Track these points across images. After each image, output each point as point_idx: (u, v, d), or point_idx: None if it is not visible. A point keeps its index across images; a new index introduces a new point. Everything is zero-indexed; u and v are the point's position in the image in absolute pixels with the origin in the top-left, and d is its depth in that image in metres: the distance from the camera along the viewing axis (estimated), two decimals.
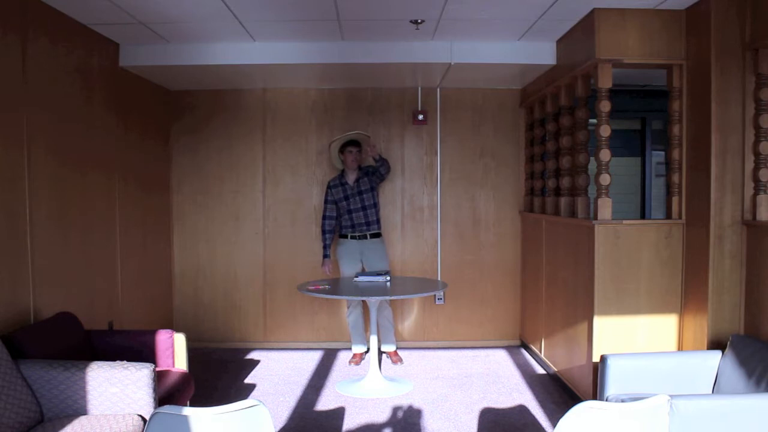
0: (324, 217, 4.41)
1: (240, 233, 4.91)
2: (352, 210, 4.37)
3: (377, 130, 4.90)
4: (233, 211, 4.91)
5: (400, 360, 4.47)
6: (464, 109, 4.90)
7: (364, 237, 4.38)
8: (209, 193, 4.91)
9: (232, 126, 4.88)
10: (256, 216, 4.91)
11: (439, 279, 4.88)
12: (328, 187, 4.42)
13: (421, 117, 4.84)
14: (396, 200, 4.87)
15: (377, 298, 3.88)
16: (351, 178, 4.38)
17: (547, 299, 4.25)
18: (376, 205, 4.39)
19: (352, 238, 4.38)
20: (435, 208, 4.93)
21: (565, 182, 3.96)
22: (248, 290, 4.93)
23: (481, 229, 4.95)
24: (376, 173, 4.38)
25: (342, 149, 4.36)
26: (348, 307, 4.51)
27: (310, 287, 3.91)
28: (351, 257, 4.41)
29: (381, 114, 4.90)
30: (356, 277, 4.11)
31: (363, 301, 4.43)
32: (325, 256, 4.38)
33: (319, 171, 4.92)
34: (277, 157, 4.90)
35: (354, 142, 4.32)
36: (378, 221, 4.41)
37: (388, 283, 4.06)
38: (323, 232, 4.41)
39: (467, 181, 4.93)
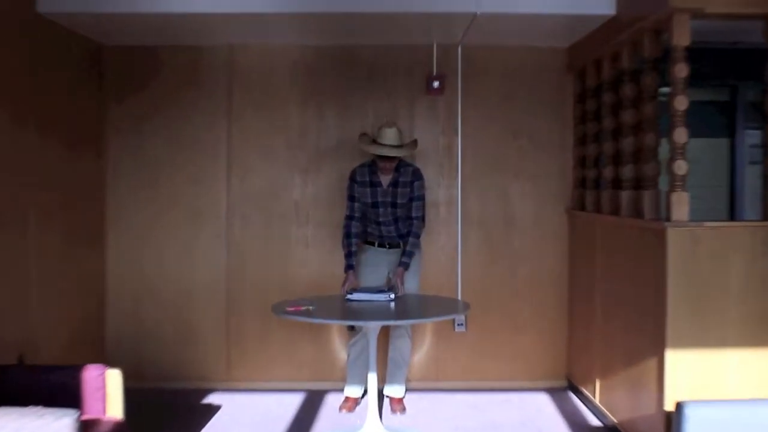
0: (348, 217, 4.41)
1: (197, 236, 4.89)
2: (381, 222, 4.42)
3: (378, 101, 4.88)
4: (188, 208, 4.89)
5: (404, 409, 4.48)
6: (493, 74, 4.90)
7: (396, 247, 4.44)
8: (156, 183, 4.89)
9: (188, 94, 4.85)
10: (219, 213, 4.89)
11: (458, 298, 4.85)
12: (353, 180, 4.41)
13: (436, 84, 4.81)
14: None
15: (384, 322, 3.83)
16: (385, 177, 4.38)
17: (603, 326, 4.23)
18: (415, 219, 4.38)
19: (380, 246, 4.46)
20: (454, 205, 4.92)
21: (627, 171, 3.95)
22: (207, 312, 4.90)
23: (516, 233, 4.93)
24: (413, 194, 4.37)
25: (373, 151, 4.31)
26: (352, 336, 4.49)
27: (288, 308, 3.87)
28: (376, 267, 4.45)
29: (383, 80, 4.89)
30: (349, 294, 4.13)
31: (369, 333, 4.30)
32: (349, 266, 4.34)
33: (302, 155, 4.91)
34: (246, 135, 4.88)
35: (390, 156, 4.29)
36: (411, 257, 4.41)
37: (393, 304, 4.04)
38: (347, 235, 4.39)
39: (497, 170, 4.92)
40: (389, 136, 4.28)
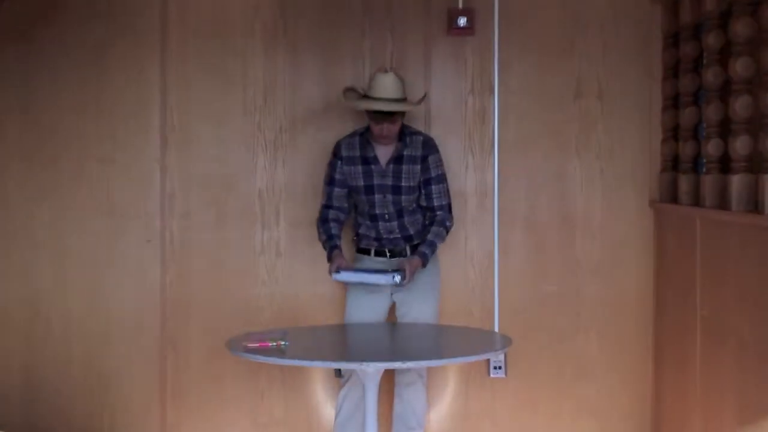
0: (325, 206, 4.51)
1: (117, 243, 4.89)
2: (379, 217, 4.46)
3: (378, 45, 4.88)
4: (103, 202, 4.88)
5: None
6: (547, 6, 4.91)
7: (401, 253, 4.49)
8: (56, 163, 4.87)
9: (101, 35, 4.83)
10: (149, 209, 4.89)
11: (495, 329, 4.87)
12: (337, 156, 4.48)
13: (463, 22, 4.80)
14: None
15: (389, 364, 3.85)
16: (384, 149, 4.45)
17: (706, 372, 4.19)
18: (439, 211, 4.48)
19: (379, 255, 4.47)
20: (488, 195, 4.93)
21: (741, 146, 3.90)
22: (133, 351, 4.89)
23: (577, 235, 4.94)
24: (429, 174, 4.47)
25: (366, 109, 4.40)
26: (342, 383, 4.51)
27: (250, 344, 3.88)
28: (373, 289, 4.44)
29: (386, 13, 4.90)
30: (336, 273, 4.23)
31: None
32: (334, 247, 4.41)
33: (269, 123, 4.91)
34: (188, 95, 4.88)
35: (388, 111, 4.33)
36: (423, 233, 4.52)
37: (399, 291, 4.19)
38: (323, 221, 4.49)
39: (551, 144, 4.93)
40: (386, 85, 4.29)
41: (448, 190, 4.50)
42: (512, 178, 4.91)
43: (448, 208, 4.49)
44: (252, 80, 4.87)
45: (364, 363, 3.75)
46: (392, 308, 4.55)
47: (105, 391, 4.86)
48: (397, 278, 4.18)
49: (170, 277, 4.88)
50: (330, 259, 4.36)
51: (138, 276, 4.87)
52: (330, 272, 4.30)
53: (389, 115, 4.27)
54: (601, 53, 4.87)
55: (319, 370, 4.81)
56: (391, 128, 4.31)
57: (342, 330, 4.42)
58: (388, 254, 4.47)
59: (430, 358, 4.12)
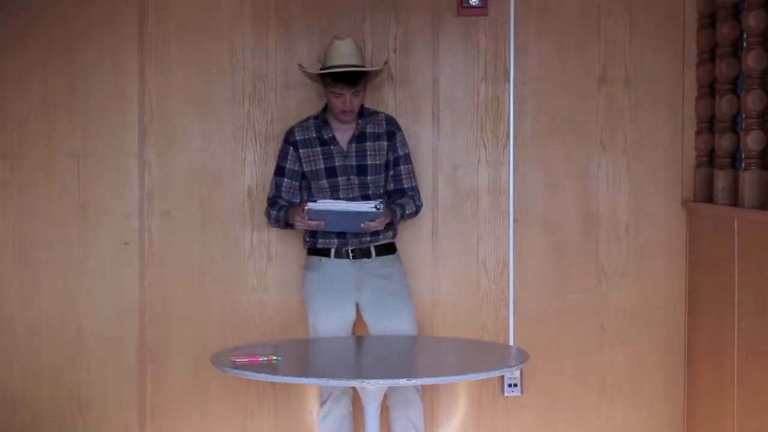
0: (274, 197, 4.55)
1: (90, 247, 4.87)
2: (341, 199, 4.43)
3: (380, 24, 4.86)
4: (75, 200, 4.88)
5: None
6: None
7: (365, 254, 4.46)
8: (23, 158, 4.86)
9: (73, 15, 4.84)
10: (126, 209, 4.88)
11: (510, 343, 4.86)
12: (290, 142, 4.53)
13: (475, 0, 4.82)
14: (422, 175, 4.83)
15: (394, 381, 3.83)
16: (344, 131, 4.51)
17: (742, 390, 4.18)
18: (410, 191, 4.55)
19: (339, 256, 4.46)
20: (503, 193, 4.91)
21: None
22: (107, 363, 4.88)
23: (601, 238, 4.93)
24: (397, 152, 4.56)
25: (324, 79, 4.45)
26: (322, 403, 4.52)
27: (238, 358, 3.87)
28: (334, 295, 4.47)
29: None
30: (311, 202, 4.24)
31: (353, 390, 4.42)
32: (287, 209, 4.47)
33: (258, 113, 4.90)
34: (169, 81, 4.88)
35: (349, 77, 4.36)
36: (391, 224, 4.51)
37: (375, 217, 4.19)
38: (272, 206, 4.55)
39: (573, 137, 4.92)
40: (344, 51, 4.37)
41: (414, 172, 4.57)
42: (529, 174, 4.89)
43: (418, 192, 4.57)
44: (240, 65, 4.86)
45: (365, 380, 3.72)
46: (359, 323, 4.57)
47: (77, 409, 4.86)
48: (381, 206, 4.18)
49: (149, 282, 4.87)
50: (287, 218, 4.41)
51: (113, 282, 4.86)
52: (300, 214, 4.27)
53: (352, 84, 4.32)
54: (628, 35, 4.87)
55: (313, 387, 4.77)
56: (354, 101, 4.37)
57: (339, 343, 4.39)
58: (350, 255, 4.44)
59: (437, 375, 4.04)
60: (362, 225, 4.21)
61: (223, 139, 4.86)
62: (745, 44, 4.25)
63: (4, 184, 4.83)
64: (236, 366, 3.78)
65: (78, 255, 4.84)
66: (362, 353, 4.26)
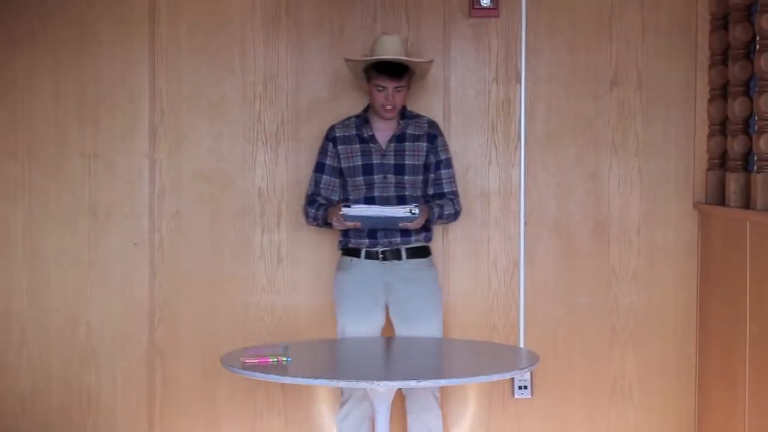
0: (312, 194, 4.55)
1: (100, 246, 4.89)
2: (375, 199, 4.47)
3: (393, 27, 4.85)
4: (86, 198, 4.88)
5: None
6: None
7: (395, 256, 4.45)
8: (33, 157, 4.88)
9: (84, 13, 4.84)
10: (136, 209, 4.89)
11: (521, 345, 4.86)
12: (330, 138, 4.54)
13: (486, 1, 4.84)
14: None
15: (402, 383, 3.83)
16: (384, 131, 4.50)
17: (754, 393, 4.18)
18: (450, 195, 4.56)
19: (369, 257, 4.46)
20: (513, 195, 4.92)
21: None
22: (118, 368, 4.89)
23: (612, 240, 4.92)
24: (438, 156, 4.56)
25: (368, 73, 4.45)
26: (342, 403, 4.51)
27: (248, 359, 3.86)
28: (363, 296, 4.47)
29: None
30: (345, 207, 4.25)
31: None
32: (327, 207, 4.47)
33: (269, 113, 4.90)
34: (180, 82, 4.89)
35: (394, 69, 4.37)
36: (427, 227, 4.53)
37: (410, 221, 4.21)
38: (310, 203, 4.55)
39: (584, 139, 4.92)
40: (392, 45, 4.38)
41: (455, 177, 4.57)
42: (540, 176, 4.89)
43: (458, 196, 4.56)
44: (251, 66, 4.86)
45: (375, 382, 3.70)
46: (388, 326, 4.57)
47: (86, 408, 4.88)
48: (416, 210, 4.18)
49: (159, 283, 4.87)
50: (326, 217, 4.41)
51: (124, 282, 4.87)
52: (336, 216, 4.29)
53: (395, 77, 4.33)
54: (640, 36, 4.86)
55: (323, 388, 4.80)
56: (396, 96, 4.37)
57: (349, 345, 4.39)
58: (380, 257, 4.44)
59: (447, 377, 4.06)
60: (400, 224, 4.25)
61: (234, 140, 4.86)
62: (757, 46, 4.22)
63: (15, 184, 4.84)
64: (246, 367, 3.78)
65: (88, 255, 4.85)
66: (373, 355, 4.24)
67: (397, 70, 4.34)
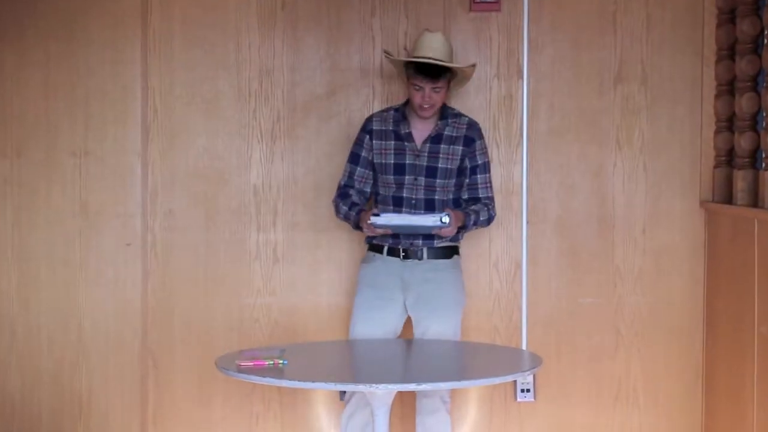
0: (345, 185, 4.55)
1: (92, 245, 4.88)
2: (403, 200, 4.49)
3: (389, 20, 4.87)
4: (76, 198, 4.88)
5: None
6: None
7: (416, 255, 4.46)
8: (23, 155, 4.86)
9: (74, 8, 4.84)
10: (129, 209, 4.89)
11: (523, 347, 4.86)
12: (366, 130, 4.57)
13: None
14: None
15: (402, 386, 3.83)
16: (421, 129, 4.51)
17: (763, 396, 4.18)
18: (486, 201, 4.57)
19: (391, 254, 4.48)
20: (516, 193, 4.92)
21: None
22: (109, 367, 4.88)
23: (617, 240, 4.92)
24: (475, 161, 4.55)
25: (407, 70, 4.47)
26: (347, 401, 4.50)
27: (243, 362, 3.86)
28: (382, 292, 4.47)
29: None
30: (374, 215, 4.26)
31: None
32: (361, 210, 4.47)
33: (265, 111, 4.91)
34: (173, 79, 4.89)
35: (432, 70, 4.37)
36: (465, 228, 4.55)
37: (440, 229, 4.23)
38: (341, 196, 4.55)
39: (588, 136, 4.92)
40: (433, 44, 4.37)
41: (492, 183, 4.58)
42: (543, 174, 4.89)
43: (493, 202, 4.56)
44: (246, 62, 4.86)
45: (373, 385, 3.69)
46: (407, 325, 4.54)
47: (77, 411, 4.87)
48: (446, 219, 4.19)
49: (152, 284, 4.88)
50: (359, 220, 4.40)
51: (115, 283, 4.86)
52: (366, 223, 4.29)
53: (435, 78, 4.32)
54: (645, 31, 4.86)
55: (321, 392, 4.80)
56: (433, 96, 4.35)
57: (348, 347, 4.40)
58: (401, 254, 4.44)
59: (448, 380, 4.05)
60: (433, 232, 4.27)
61: (229, 137, 4.86)
62: (765, 40, 4.26)
63: (4, 183, 4.83)
64: (241, 370, 3.77)
65: (79, 256, 4.84)
66: (371, 358, 4.24)
67: (433, 71, 4.33)
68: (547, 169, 4.87)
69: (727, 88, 4.66)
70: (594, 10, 4.84)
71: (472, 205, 4.50)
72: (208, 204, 4.86)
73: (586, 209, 4.88)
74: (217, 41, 4.84)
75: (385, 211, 4.42)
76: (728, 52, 4.65)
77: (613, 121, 4.86)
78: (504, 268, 4.88)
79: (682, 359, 4.87)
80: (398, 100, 4.73)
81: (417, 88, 4.34)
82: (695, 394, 4.87)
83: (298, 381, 3.73)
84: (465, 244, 4.79)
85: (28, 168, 4.83)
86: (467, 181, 4.49)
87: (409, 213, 4.36)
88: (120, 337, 4.83)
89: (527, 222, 4.86)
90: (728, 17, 4.63)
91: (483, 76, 4.86)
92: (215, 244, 4.86)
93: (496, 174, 4.85)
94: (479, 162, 4.49)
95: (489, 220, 4.54)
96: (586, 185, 4.88)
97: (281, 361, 3.84)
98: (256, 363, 3.81)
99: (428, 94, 4.33)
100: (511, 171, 4.86)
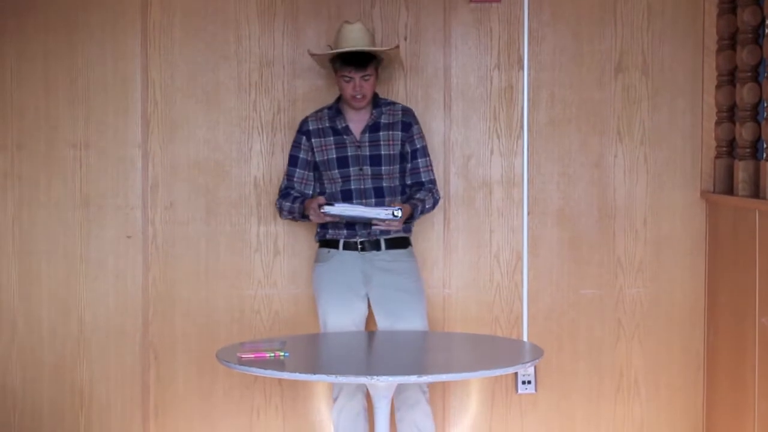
0: (282, 195, 4.56)
1: (93, 237, 4.88)
2: (352, 192, 4.49)
3: (389, 12, 4.87)
4: (77, 190, 4.88)
5: None
6: None
7: (374, 246, 4.47)
8: (23, 148, 4.87)
9: (75, 3, 4.84)
10: (129, 200, 4.89)
11: (524, 338, 4.85)
12: (303, 131, 4.56)
13: None
14: (433, 166, 4.77)
15: (404, 378, 3.82)
16: (357, 121, 4.52)
17: (764, 387, 4.18)
18: (428, 184, 4.58)
19: (348, 248, 4.47)
20: (516, 185, 4.92)
21: None
22: (110, 360, 4.89)
23: (617, 231, 4.93)
24: (414, 145, 4.59)
25: (334, 65, 4.50)
26: (334, 398, 4.52)
27: (244, 354, 3.87)
28: (343, 288, 4.48)
29: None
30: (328, 205, 4.28)
31: (366, 388, 4.39)
32: (305, 199, 4.49)
33: (265, 102, 4.90)
34: (174, 71, 4.88)
35: (358, 59, 4.39)
36: (412, 218, 4.54)
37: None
38: (284, 196, 4.55)
39: (587, 126, 4.92)
40: (354, 33, 4.40)
41: (432, 165, 4.60)
42: (544, 165, 4.88)
43: (436, 185, 4.58)
44: (246, 53, 4.85)
45: (375, 377, 3.70)
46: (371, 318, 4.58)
47: (79, 406, 4.87)
48: (398, 212, 4.18)
49: (153, 276, 4.87)
50: (303, 210, 4.40)
51: (116, 276, 4.86)
52: (314, 210, 4.29)
53: (361, 67, 4.35)
54: (646, 21, 4.85)
55: (322, 384, 4.79)
56: (364, 86, 4.38)
57: (348, 339, 4.38)
58: (359, 247, 4.44)
59: (449, 372, 4.08)
60: (379, 226, 4.28)
61: (229, 129, 4.85)
62: (766, 30, 4.26)
63: (4, 176, 4.83)
64: (242, 362, 3.77)
65: (80, 248, 4.84)
66: (372, 349, 4.25)
67: (361, 60, 4.36)
68: (547, 160, 4.87)
69: (728, 79, 4.66)
70: (594, 1, 4.83)
71: (416, 190, 4.51)
72: (209, 196, 4.86)
73: (587, 200, 4.88)
74: (217, 33, 4.83)
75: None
76: (729, 42, 4.65)
77: (613, 112, 4.86)
78: (505, 260, 4.87)
79: (683, 350, 4.87)
80: (392, 91, 4.78)
81: (347, 79, 4.37)
82: (696, 385, 4.87)
83: (300, 373, 3.74)
84: (465, 235, 4.87)
85: (28, 161, 4.82)
86: (409, 166, 4.52)
87: (361, 204, 4.37)
88: (121, 329, 4.84)
89: (528, 213, 4.86)
90: (729, 7, 4.62)
91: (483, 68, 4.86)
92: (216, 236, 4.86)
93: (498, 167, 4.89)
94: (418, 146, 4.51)
95: (434, 205, 4.56)
96: (587, 176, 4.87)
97: (282, 353, 3.84)
98: (257, 355, 3.82)
99: (359, 84, 4.35)
100: (512, 162, 4.86)
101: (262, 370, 3.71)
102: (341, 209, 4.23)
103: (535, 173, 4.86)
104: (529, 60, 4.85)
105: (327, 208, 4.21)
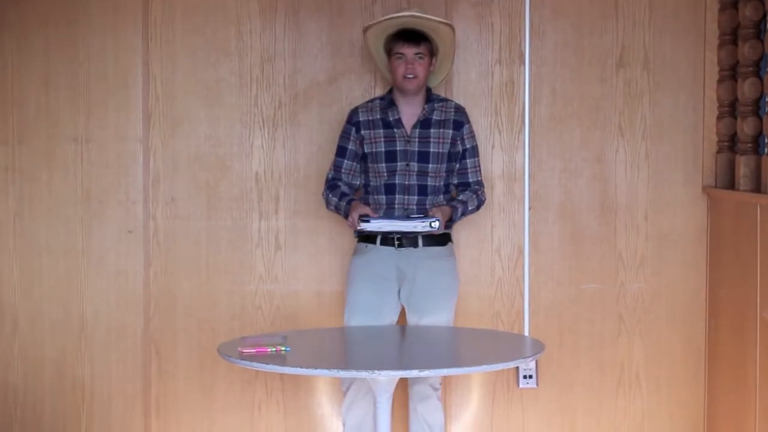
0: (333, 178, 4.55)
1: (94, 232, 4.88)
2: (396, 186, 4.46)
3: (393, 7, 4.82)
4: (78, 185, 4.88)
5: None
6: None
7: (412, 243, 4.45)
8: (24, 142, 4.87)
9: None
10: (131, 195, 4.89)
11: (525, 333, 4.86)
12: (353, 122, 4.54)
13: None
14: None
15: (403, 372, 3.84)
16: (409, 114, 4.49)
17: (765, 382, 4.17)
18: (475, 184, 4.57)
19: (385, 243, 4.46)
20: (518, 179, 4.91)
21: None
22: (111, 356, 4.89)
23: (619, 226, 4.92)
24: (464, 144, 4.55)
25: (387, 46, 4.49)
26: (345, 391, 4.51)
27: (245, 349, 3.86)
28: (375, 282, 4.46)
29: None
30: (363, 220, 4.26)
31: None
32: (350, 201, 4.47)
33: (266, 97, 4.90)
34: (174, 65, 4.88)
35: (413, 36, 4.39)
36: (452, 221, 4.53)
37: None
38: (331, 188, 4.54)
39: (589, 121, 4.91)
40: (411, 7, 4.47)
41: (481, 166, 4.58)
42: (545, 160, 4.88)
43: (483, 186, 4.56)
44: (248, 48, 4.85)
45: (376, 371, 3.70)
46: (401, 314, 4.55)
47: (80, 401, 4.88)
48: (435, 224, 4.20)
49: (154, 271, 4.88)
50: (348, 212, 4.38)
51: (117, 271, 4.86)
52: (353, 224, 4.31)
53: (416, 42, 4.33)
54: (647, 16, 4.84)
55: (323, 379, 4.80)
56: (418, 67, 4.35)
57: (349, 334, 4.39)
58: (396, 243, 4.41)
59: (450, 366, 4.04)
60: (438, 228, 4.26)
61: (230, 124, 4.85)
62: None
63: (5, 171, 4.83)
64: (243, 357, 3.78)
65: (81, 243, 4.84)
66: (374, 344, 4.23)
67: (415, 36, 4.34)
68: (549, 155, 4.86)
69: (730, 73, 4.64)
70: None
71: (461, 191, 4.51)
72: (210, 191, 4.86)
73: (588, 195, 4.87)
74: (219, 27, 4.83)
75: (376, 203, 4.42)
76: (731, 37, 4.63)
77: (615, 107, 4.85)
78: (506, 254, 4.87)
79: (685, 345, 4.87)
80: None
81: (399, 56, 4.35)
82: (698, 380, 4.86)
83: (301, 368, 3.72)
84: (466, 230, 4.84)
85: (29, 155, 4.83)
86: (457, 165, 4.50)
87: (400, 218, 4.32)
88: (122, 324, 4.84)
89: (529, 208, 4.86)
90: (731, 2, 4.61)
91: (484, 62, 4.85)
92: (217, 232, 4.86)
93: (499, 162, 4.88)
94: (468, 146, 4.50)
95: (479, 207, 4.54)
96: (589, 171, 4.87)
97: (284, 348, 3.84)
98: (258, 350, 3.82)
99: (411, 61, 4.33)
100: (513, 157, 4.85)
101: (263, 365, 3.71)
102: (378, 225, 4.24)
103: (536, 168, 4.86)
104: (530, 55, 4.84)
105: (363, 225, 4.23)
